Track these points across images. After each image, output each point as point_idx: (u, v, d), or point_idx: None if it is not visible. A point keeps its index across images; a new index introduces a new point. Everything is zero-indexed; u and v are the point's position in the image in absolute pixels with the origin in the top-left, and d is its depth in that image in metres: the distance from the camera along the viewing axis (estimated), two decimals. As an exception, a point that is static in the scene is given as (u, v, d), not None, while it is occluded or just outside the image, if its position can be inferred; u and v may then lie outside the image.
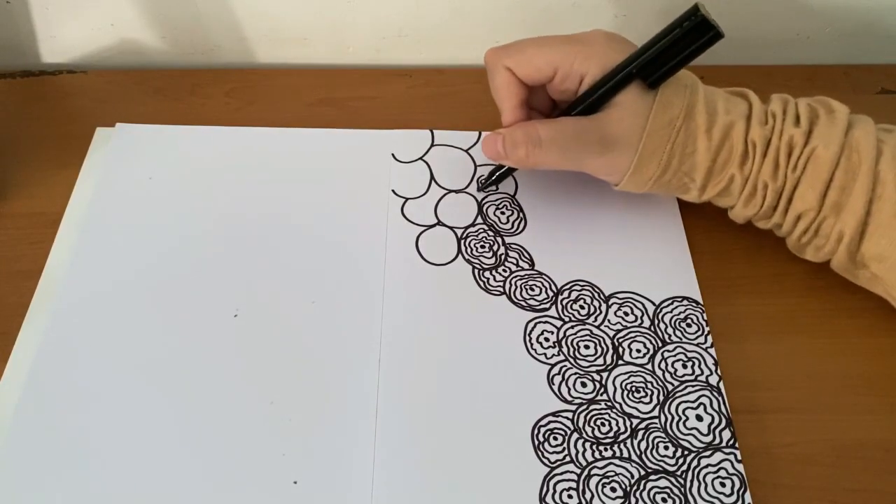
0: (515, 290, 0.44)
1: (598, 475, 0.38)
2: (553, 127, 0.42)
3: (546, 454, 0.38)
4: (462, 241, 0.46)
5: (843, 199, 0.40)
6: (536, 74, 0.42)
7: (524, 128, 0.42)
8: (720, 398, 0.40)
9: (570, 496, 0.37)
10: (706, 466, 0.38)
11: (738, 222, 0.44)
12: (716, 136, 0.40)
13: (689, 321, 0.43)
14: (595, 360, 0.41)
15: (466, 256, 0.45)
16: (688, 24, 0.38)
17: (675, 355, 0.42)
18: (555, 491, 0.37)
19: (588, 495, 0.37)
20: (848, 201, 0.40)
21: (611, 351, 0.42)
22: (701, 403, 0.40)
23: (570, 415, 0.40)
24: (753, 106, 0.41)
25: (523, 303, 0.43)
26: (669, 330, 0.43)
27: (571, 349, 0.42)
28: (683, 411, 0.40)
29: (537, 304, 0.43)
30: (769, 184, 0.41)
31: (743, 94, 0.43)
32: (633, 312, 0.43)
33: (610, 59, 0.41)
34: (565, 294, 0.44)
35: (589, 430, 0.39)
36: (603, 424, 0.39)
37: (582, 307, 0.43)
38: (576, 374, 0.41)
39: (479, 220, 0.47)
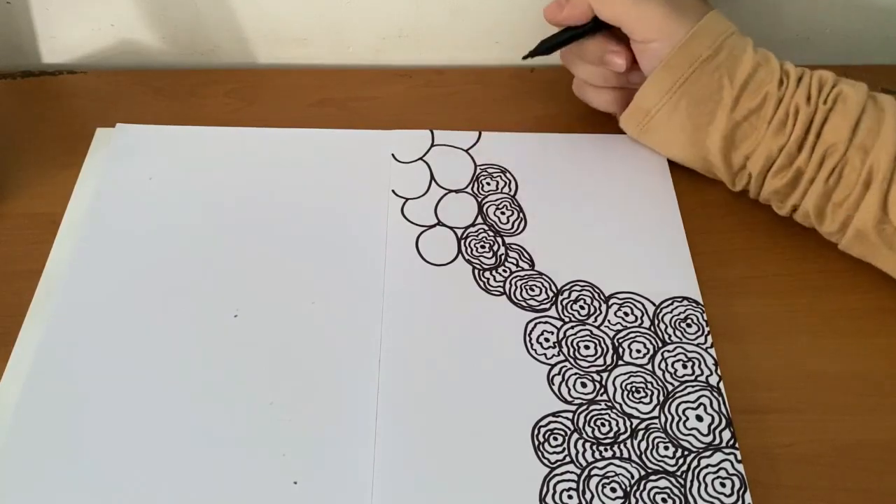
0: (515, 290, 0.44)
1: (599, 475, 0.38)
2: None
3: (546, 454, 0.38)
4: (462, 242, 0.46)
5: (870, 141, 0.40)
6: None
7: None
8: (720, 398, 0.40)
9: (570, 496, 0.37)
10: (706, 467, 0.38)
11: (749, 179, 0.45)
12: (759, 55, 0.43)
13: (689, 321, 0.43)
14: (595, 360, 0.41)
15: (466, 256, 0.45)
16: None
17: (675, 355, 0.42)
18: (555, 491, 0.37)
19: (588, 496, 0.37)
20: (876, 142, 0.40)
21: (611, 351, 0.42)
22: (701, 404, 0.40)
23: (570, 415, 0.40)
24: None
25: (523, 303, 0.43)
26: (669, 330, 0.43)
27: (571, 349, 0.42)
28: (683, 411, 0.40)
29: (537, 304, 0.43)
30: (802, 108, 0.42)
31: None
32: (633, 313, 0.43)
33: None
34: (565, 294, 0.44)
35: (589, 430, 0.39)
36: (603, 425, 0.39)
37: (582, 307, 0.43)
38: (576, 374, 0.41)
39: (479, 220, 0.47)
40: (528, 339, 0.42)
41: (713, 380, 0.41)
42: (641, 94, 0.46)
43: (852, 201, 0.41)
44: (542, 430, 0.39)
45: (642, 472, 0.38)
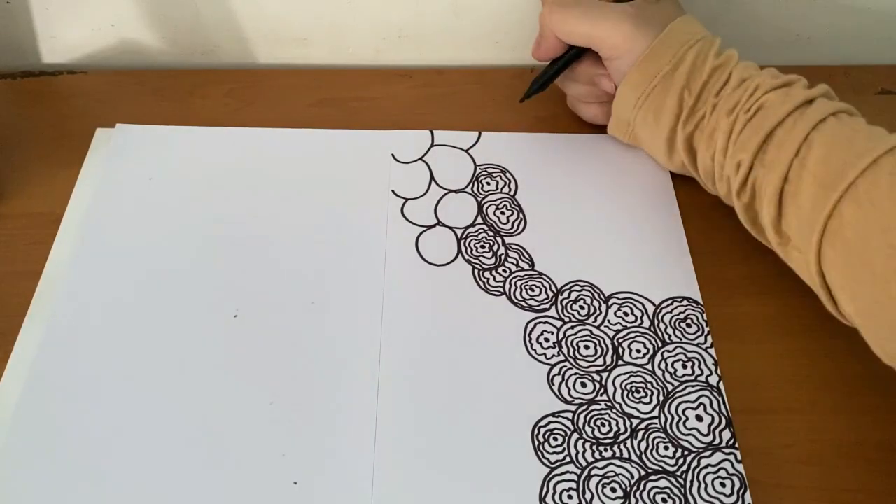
0: (515, 290, 0.44)
1: (598, 475, 0.38)
2: None
3: (546, 454, 0.38)
4: (462, 242, 0.46)
5: (772, 156, 0.39)
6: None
7: None
8: (720, 398, 0.40)
9: (570, 496, 0.37)
10: (706, 467, 0.38)
11: (702, 177, 0.44)
12: (720, 60, 0.42)
13: (688, 321, 0.43)
14: (595, 360, 0.41)
15: (466, 257, 0.45)
16: None
17: (674, 355, 0.42)
18: (555, 491, 0.37)
19: (588, 496, 0.37)
20: (777, 157, 0.39)
21: (611, 351, 0.42)
22: (701, 403, 0.40)
23: (570, 415, 0.40)
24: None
25: (523, 303, 0.43)
26: (669, 330, 0.43)
27: (571, 349, 0.42)
28: (683, 411, 0.40)
29: (537, 304, 0.43)
30: (724, 118, 0.41)
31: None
32: (632, 313, 0.43)
33: None
34: (565, 294, 0.44)
35: (589, 430, 0.39)
36: (603, 425, 0.39)
37: (582, 307, 0.43)
38: (576, 374, 0.41)
39: (479, 220, 0.47)
40: (527, 339, 0.42)
41: (713, 380, 0.41)
42: (614, 108, 0.46)
43: (762, 216, 0.41)
44: (542, 430, 0.39)
45: (642, 472, 0.38)
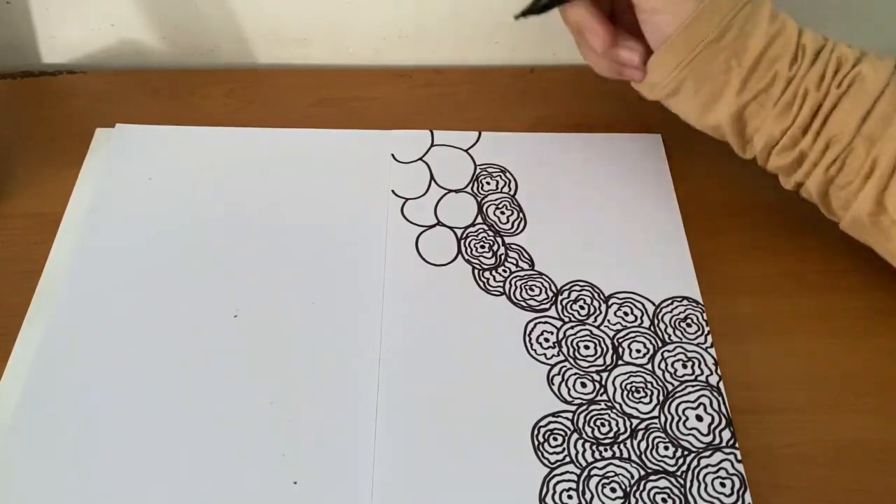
0: (515, 290, 0.44)
1: (598, 475, 0.38)
2: None
3: (546, 455, 0.38)
4: (462, 242, 0.46)
5: (879, 130, 0.38)
6: None
7: None
8: (720, 398, 0.40)
9: (569, 496, 0.37)
10: (706, 467, 0.38)
11: (756, 151, 0.43)
12: (776, 26, 0.40)
13: (688, 321, 0.43)
14: (595, 360, 0.41)
15: (466, 257, 0.45)
16: None
17: (674, 355, 0.42)
18: (555, 491, 0.37)
19: (588, 496, 0.37)
20: (886, 132, 0.38)
21: (611, 351, 0.42)
22: (701, 403, 0.40)
23: (569, 415, 0.40)
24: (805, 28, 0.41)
25: (523, 303, 0.43)
26: (669, 330, 0.43)
27: (571, 349, 0.42)
28: (683, 411, 0.40)
29: (537, 304, 0.43)
30: (811, 93, 0.40)
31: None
32: (632, 312, 0.43)
33: None
34: (565, 294, 0.44)
35: (589, 430, 0.39)
36: (603, 425, 0.39)
37: (582, 307, 0.43)
38: (576, 374, 0.41)
39: (479, 220, 0.47)
40: (527, 339, 0.42)
41: (713, 380, 0.41)
42: (649, 70, 0.44)
43: (853, 189, 0.40)
44: (542, 430, 0.39)
45: (642, 472, 0.38)
